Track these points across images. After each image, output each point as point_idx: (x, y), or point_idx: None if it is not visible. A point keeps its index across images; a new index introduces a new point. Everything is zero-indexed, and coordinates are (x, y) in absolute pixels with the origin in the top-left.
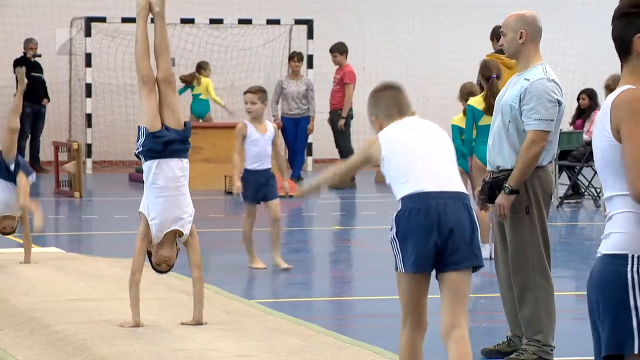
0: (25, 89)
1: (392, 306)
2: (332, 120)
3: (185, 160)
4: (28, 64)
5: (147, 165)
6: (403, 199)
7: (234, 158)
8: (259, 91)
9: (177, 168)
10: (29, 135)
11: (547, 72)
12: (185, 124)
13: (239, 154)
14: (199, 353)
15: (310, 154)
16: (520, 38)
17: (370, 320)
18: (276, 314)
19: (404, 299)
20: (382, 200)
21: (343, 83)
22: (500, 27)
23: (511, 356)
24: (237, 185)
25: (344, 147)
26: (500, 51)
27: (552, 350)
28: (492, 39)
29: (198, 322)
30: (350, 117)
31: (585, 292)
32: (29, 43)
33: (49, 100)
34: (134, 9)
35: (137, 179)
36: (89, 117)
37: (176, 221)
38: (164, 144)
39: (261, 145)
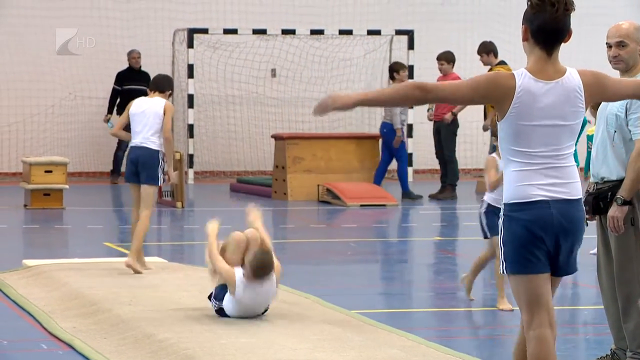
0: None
1: (495, 317)
2: (439, 131)
3: None
4: (132, 74)
5: None
6: None
7: None
8: None
9: None
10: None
11: None
12: None
13: None
14: None
15: (410, 164)
16: None
17: (472, 332)
18: (376, 324)
19: None
20: None
21: None
22: (489, 42)
23: None
24: None
25: (448, 157)
26: (503, 62)
27: None
28: (481, 53)
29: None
30: (457, 125)
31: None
32: (132, 53)
33: None
34: (236, 20)
35: (238, 189)
36: (190, 127)
37: None
38: None
39: None
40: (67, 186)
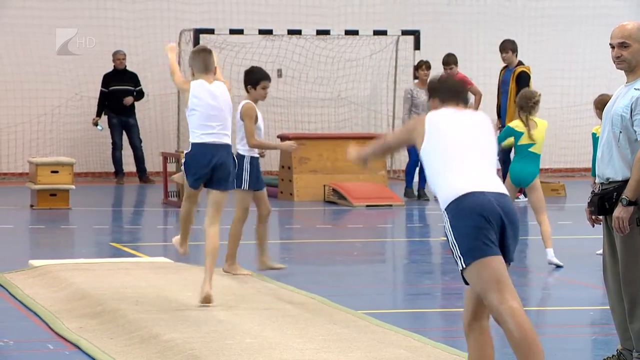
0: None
1: None
2: None
3: None
4: (118, 75)
5: None
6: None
7: None
8: None
9: None
10: (122, 146)
11: None
12: None
13: None
14: None
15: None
16: None
17: None
18: (382, 324)
19: None
20: None
21: None
22: (513, 40)
23: None
24: None
25: None
26: (521, 62)
27: None
28: (507, 50)
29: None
30: None
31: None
32: (117, 54)
33: (133, 100)
34: (242, 20)
35: None
36: None
37: None
38: None
39: None
40: (73, 186)
